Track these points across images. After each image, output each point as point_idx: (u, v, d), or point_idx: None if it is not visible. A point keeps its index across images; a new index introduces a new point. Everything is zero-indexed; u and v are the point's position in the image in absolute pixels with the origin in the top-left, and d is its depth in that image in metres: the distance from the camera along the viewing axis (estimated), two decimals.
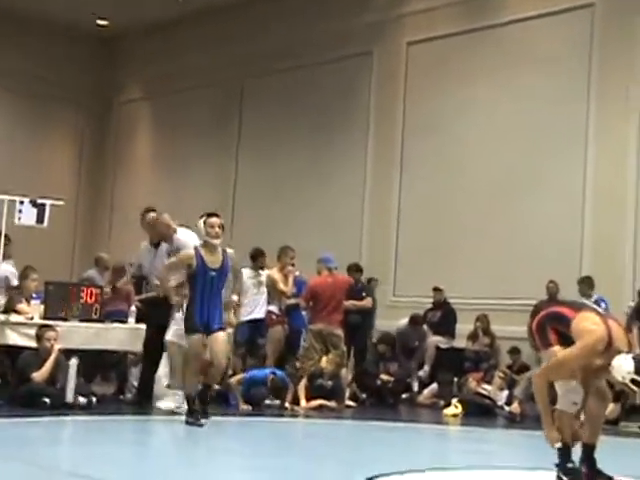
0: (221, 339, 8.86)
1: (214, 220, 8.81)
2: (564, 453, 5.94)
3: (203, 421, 8.53)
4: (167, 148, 20.65)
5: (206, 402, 8.84)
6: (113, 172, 21.92)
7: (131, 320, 11.19)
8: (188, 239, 9.92)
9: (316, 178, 17.43)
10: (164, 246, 10.50)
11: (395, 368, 13.62)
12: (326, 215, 16.95)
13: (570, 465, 5.89)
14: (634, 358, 5.70)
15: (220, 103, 19.54)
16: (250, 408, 10.77)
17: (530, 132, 14.97)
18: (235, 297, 10.40)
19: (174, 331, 9.74)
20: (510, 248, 14.90)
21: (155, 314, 10.37)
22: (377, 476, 5.88)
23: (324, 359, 12.16)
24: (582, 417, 6.28)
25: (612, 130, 14.39)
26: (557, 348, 6.03)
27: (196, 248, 8.92)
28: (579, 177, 14.54)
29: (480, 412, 12.13)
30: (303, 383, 11.82)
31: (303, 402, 11.62)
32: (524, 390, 11.84)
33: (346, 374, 12.75)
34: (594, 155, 14.46)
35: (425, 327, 14.69)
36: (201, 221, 8.80)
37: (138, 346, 10.69)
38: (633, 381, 5.65)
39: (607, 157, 14.40)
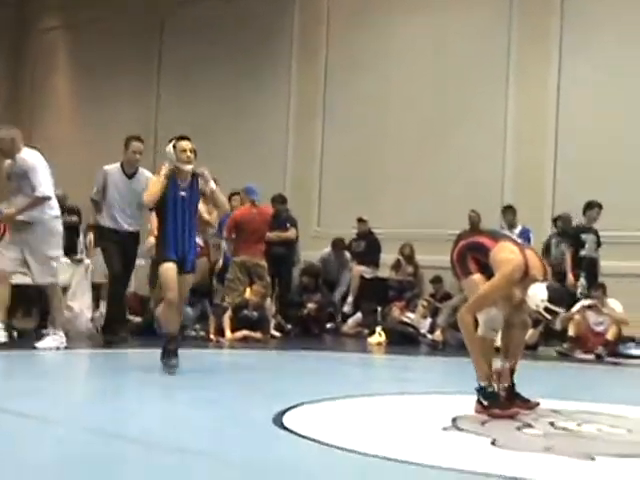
0: (189, 282, 8.11)
1: (185, 144, 8.00)
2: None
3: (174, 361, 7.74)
4: (88, 79, 20.20)
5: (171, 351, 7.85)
6: (31, 104, 21.42)
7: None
8: (35, 161, 9.19)
9: (240, 112, 17.28)
10: (142, 176, 10.05)
11: (319, 298, 13.71)
12: (251, 149, 16.85)
13: (490, 389, 6.01)
14: (548, 287, 5.80)
15: (140, 34, 19.18)
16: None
17: (453, 68, 15.06)
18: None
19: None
20: (433, 179, 15.05)
21: (125, 249, 10.14)
22: (299, 404, 5.93)
23: (248, 290, 12.20)
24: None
25: (533, 64, 14.56)
26: (477, 276, 6.13)
27: (167, 167, 8.02)
28: (501, 109, 14.74)
29: (403, 340, 12.30)
30: (228, 314, 11.85)
31: (228, 333, 11.67)
32: (446, 318, 12.04)
33: (271, 305, 12.82)
34: (515, 88, 14.66)
35: (347, 254, 14.77)
36: (170, 145, 8.02)
37: (59, 280, 10.60)
38: (546, 309, 5.76)
39: (528, 90, 14.59)
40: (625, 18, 13.96)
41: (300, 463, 4.38)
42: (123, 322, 10.55)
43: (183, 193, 7.91)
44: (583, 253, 12.48)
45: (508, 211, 13.46)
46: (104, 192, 10.10)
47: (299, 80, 16.98)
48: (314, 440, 4.80)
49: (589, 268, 12.41)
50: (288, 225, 13.78)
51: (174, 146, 7.99)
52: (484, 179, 14.57)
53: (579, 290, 12.15)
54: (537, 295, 5.77)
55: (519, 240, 6.43)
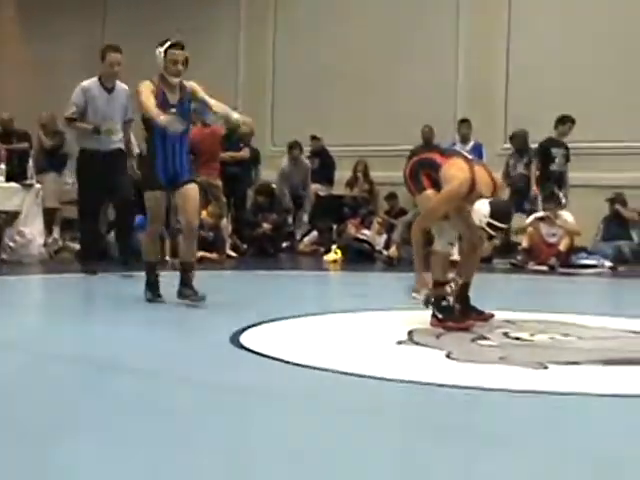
0: (193, 194, 7.13)
1: (178, 53, 7.03)
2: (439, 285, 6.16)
3: (194, 298, 6.95)
4: (35, 25, 19.65)
5: (190, 284, 7.13)
6: None
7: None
8: None
9: (191, 28, 17.04)
10: (121, 90, 9.57)
11: (274, 218, 13.71)
12: (201, 68, 16.57)
13: (444, 303, 6.08)
14: (491, 202, 5.81)
15: None
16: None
17: None
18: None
19: None
20: (387, 95, 15.00)
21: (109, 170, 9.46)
22: (256, 324, 5.97)
23: (204, 211, 12.15)
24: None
25: None
26: (430, 192, 6.16)
27: (152, 81, 7.08)
28: (453, 25, 14.67)
29: (359, 257, 12.37)
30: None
31: None
32: (401, 234, 12.08)
33: (226, 225, 12.79)
34: (467, 3, 14.56)
35: (307, 163, 14.69)
36: (161, 50, 7.03)
37: (6, 205, 10.59)
38: (489, 224, 5.78)
39: (480, 4, 14.50)
40: None
41: (257, 380, 4.42)
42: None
43: (173, 109, 7.02)
44: (553, 167, 12.49)
45: (463, 125, 13.49)
46: (85, 110, 9.49)
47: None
48: (271, 358, 4.84)
49: (559, 182, 12.44)
50: (241, 145, 13.68)
51: (165, 52, 7.02)
52: (437, 95, 14.57)
53: (539, 202, 12.21)
54: (480, 210, 5.79)
55: (470, 156, 6.44)
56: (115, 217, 10.49)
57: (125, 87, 9.54)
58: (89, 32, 18.10)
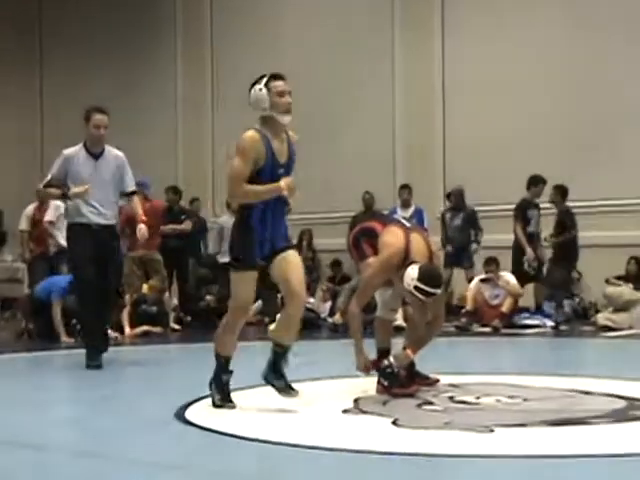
0: (296, 260, 5.64)
1: (282, 85, 5.52)
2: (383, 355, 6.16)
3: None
4: None
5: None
6: None
7: None
8: None
9: (125, 100, 17.05)
10: (111, 157, 8.22)
11: (217, 289, 13.66)
12: (139, 139, 16.67)
13: (389, 370, 6.08)
14: (420, 266, 5.81)
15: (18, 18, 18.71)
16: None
17: (342, 50, 15.14)
18: None
19: None
20: (328, 163, 15.10)
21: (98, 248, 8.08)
22: (201, 398, 5.92)
23: (145, 285, 12.10)
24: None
25: (418, 46, 14.73)
26: (372, 260, 6.21)
27: (259, 130, 5.51)
28: (389, 93, 14.88)
29: (304, 325, 12.30)
30: (126, 310, 11.74)
31: (127, 329, 11.55)
32: (345, 300, 12.10)
33: (169, 299, 12.71)
34: (402, 71, 14.81)
35: None
36: (260, 86, 5.48)
37: None
38: (416, 288, 5.75)
39: (414, 72, 14.74)
40: None
41: (203, 456, 4.38)
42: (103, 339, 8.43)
43: (281, 170, 5.56)
44: (530, 229, 12.22)
45: (403, 190, 13.60)
46: (65, 182, 8.12)
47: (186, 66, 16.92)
48: (217, 432, 4.81)
49: (534, 243, 12.22)
50: (183, 217, 13.66)
51: (267, 87, 5.48)
52: (376, 160, 14.70)
53: (526, 266, 12.03)
54: (409, 274, 5.79)
55: (409, 224, 6.50)
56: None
57: (118, 153, 8.27)
58: (27, 109, 18.11)
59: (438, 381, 6.37)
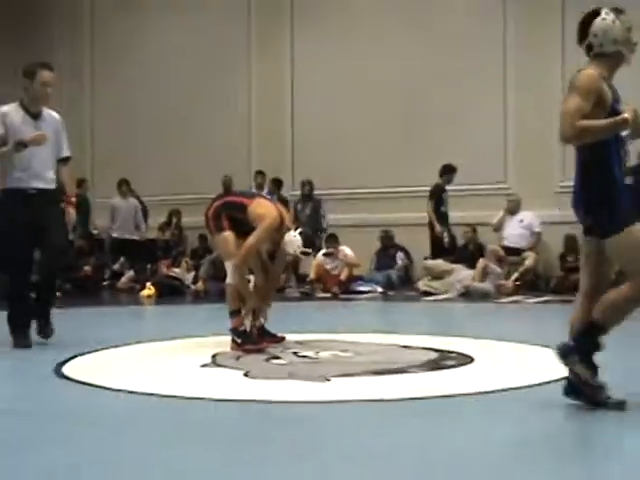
0: None
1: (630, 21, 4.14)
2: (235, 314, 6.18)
3: None
4: None
5: None
6: None
7: None
8: None
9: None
10: (51, 119, 6.59)
11: (93, 261, 13.43)
12: None
13: (242, 328, 6.11)
14: (301, 234, 6.35)
15: None
16: None
17: (200, 55, 14.99)
18: None
19: None
20: (189, 149, 14.97)
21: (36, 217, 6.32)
22: (78, 355, 5.82)
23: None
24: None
25: (272, 43, 14.70)
26: (228, 233, 6.22)
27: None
28: (246, 91, 14.83)
29: (171, 292, 12.23)
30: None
31: None
32: (207, 270, 12.09)
33: None
34: (257, 67, 14.76)
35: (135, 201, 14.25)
36: (612, 17, 4.05)
37: None
38: (302, 252, 6.37)
39: (267, 67, 14.71)
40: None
41: (76, 407, 4.31)
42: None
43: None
44: (443, 209, 12.23)
45: (258, 175, 13.57)
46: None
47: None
48: (89, 384, 4.74)
49: (447, 221, 12.31)
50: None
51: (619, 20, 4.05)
52: (235, 148, 14.64)
53: (445, 240, 12.11)
54: (293, 242, 6.27)
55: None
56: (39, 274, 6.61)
57: (56, 116, 6.67)
58: None
59: (284, 339, 6.42)
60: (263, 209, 6.26)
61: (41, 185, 6.39)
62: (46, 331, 6.56)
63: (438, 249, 12.18)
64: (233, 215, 6.28)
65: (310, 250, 6.63)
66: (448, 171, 12.35)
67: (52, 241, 6.40)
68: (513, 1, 13.10)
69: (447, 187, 12.43)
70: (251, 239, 6.13)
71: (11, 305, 6.46)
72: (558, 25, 12.47)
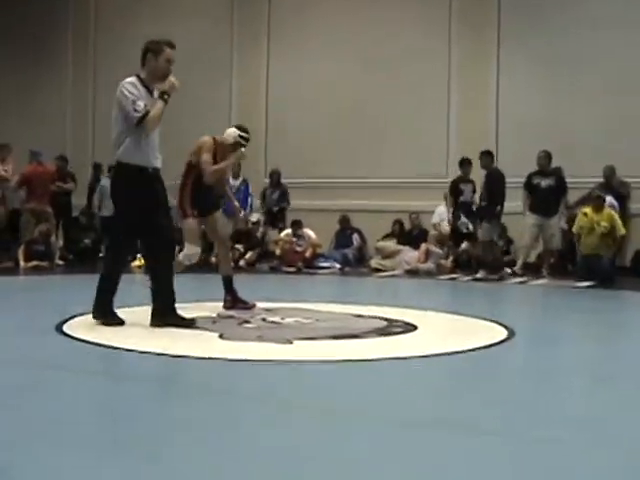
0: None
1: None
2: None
3: None
4: None
5: None
6: None
7: None
8: None
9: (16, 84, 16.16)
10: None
11: (93, 235, 13.20)
12: (33, 115, 15.80)
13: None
14: (234, 125, 6.40)
15: None
16: None
17: (182, 56, 14.69)
18: None
19: None
20: (173, 132, 14.71)
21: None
22: (77, 315, 5.69)
23: (37, 229, 11.55)
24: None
25: (252, 47, 14.51)
26: (191, 220, 6.32)
27: None
28: (227, 87, 14.60)
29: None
30: (22, 248, 11.19)
31: (22, 263, 11.01)
32: None
33: (55, 241, 12.16)
34: (238, 71, 14.54)
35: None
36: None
37: None
38: (240, 137, 6.14)
39: (246, 68, 14.50)
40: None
41: (71, 359, 4.21)
42: None
43: None
44: (462, 199, 11.28)
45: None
46: None
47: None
48: (84, 341, 4.62)
49: (467, 209, 11.28)
50: (68, 179, 13.09)
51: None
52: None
53: (464, 227, 11.27)
54: (231, 132, 6.18)
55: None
56: None
57: None
58: None
59: (255, 306, 6.34)
60: (195, 145, 6.22)
61: (158, 164, 5.30)
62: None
63: (458, 236, 11.45)
64: (194, 183, 6.15)
65: (247, 135, 6.18)
66: (463, 164, 11.34)
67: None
68: (457, 21, 13.06)
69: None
70: (200, 161, 6.09)
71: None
72: (495, 42, 12.62)
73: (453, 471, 2.41)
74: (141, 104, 5.06)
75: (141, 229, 5.20)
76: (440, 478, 2.36)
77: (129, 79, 5.20)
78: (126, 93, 5.09)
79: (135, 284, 6.64)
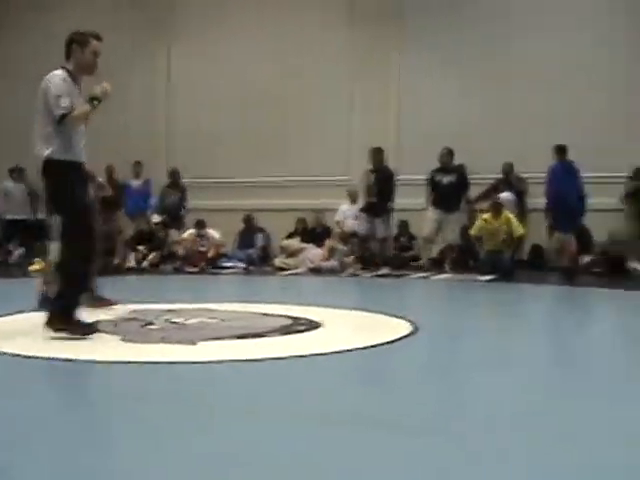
0: None
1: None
2: None
3: None
4: None
5: None
6: None
7: None
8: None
9: None
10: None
11: None
12: None
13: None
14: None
15: None
16: None
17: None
18: None
19: None
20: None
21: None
22: None
23: None
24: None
25: (148, 58, 14.31)
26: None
27: None
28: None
29: None
30: None
31: None
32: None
33: None
34: (140, 73, 14.29)
35: None
36: None
37: None
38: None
39: (148, 71, 14.26)
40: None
41: None
42: None
43: None
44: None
45: (136, 165, 13.10)
46: None
47: None
48: None
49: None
50: None
51: None
52: (116, 141, 14.14)
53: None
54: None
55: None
56: None
57: None
58: None
59: (116, 303, 6.32)
60: None
61: (84, 159, 5.08)
62: None
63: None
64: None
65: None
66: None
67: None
68: (359, 19, 13.21)
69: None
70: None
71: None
72: (396, 41, 12.84)
73: (377, 464, 2.45)
74: (66, 101, 4.84)
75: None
76: (370, 472, 2.39)
77: (57, 72, 4.95)
78: (52, 88, 4.85)
79: (32, 288, 6.42)
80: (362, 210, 11.25)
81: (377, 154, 11.02)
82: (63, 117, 4.83)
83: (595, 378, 3.88)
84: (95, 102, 4.89)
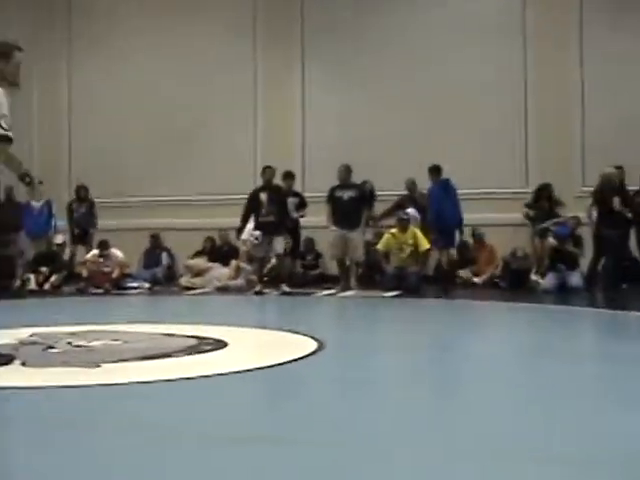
0: None
1: None
2: None
3: None
4: None
5: None
6: None
7: None
8: None
9: None
10: None
11: None
12: None
13: None
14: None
15: None
16: None
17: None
18: None
19: None
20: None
21: None
22: None
23: None
24: None
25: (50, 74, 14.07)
26: None
27: None
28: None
29: None
30: None
31: None
32: None
33: None
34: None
35: None
36: None
37: None
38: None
39: (48, 86, 14.02)
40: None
41: None
42: None
43: None
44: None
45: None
46: None
47: None
48: None
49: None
50: None
51: None
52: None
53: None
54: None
55: None
56: None
57: None
58: None
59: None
60: None
61: None
62: None
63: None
64: None
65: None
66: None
67: None
68: (262, 35, 13.37)
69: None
70: None
71: None
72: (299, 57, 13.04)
73: None
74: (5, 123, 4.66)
75: None
76: None
77: None
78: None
79: None
80: (256, 229, 11.06)
81: (266, 173, 11.01)
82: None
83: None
84: (27, 179, 4.89)
